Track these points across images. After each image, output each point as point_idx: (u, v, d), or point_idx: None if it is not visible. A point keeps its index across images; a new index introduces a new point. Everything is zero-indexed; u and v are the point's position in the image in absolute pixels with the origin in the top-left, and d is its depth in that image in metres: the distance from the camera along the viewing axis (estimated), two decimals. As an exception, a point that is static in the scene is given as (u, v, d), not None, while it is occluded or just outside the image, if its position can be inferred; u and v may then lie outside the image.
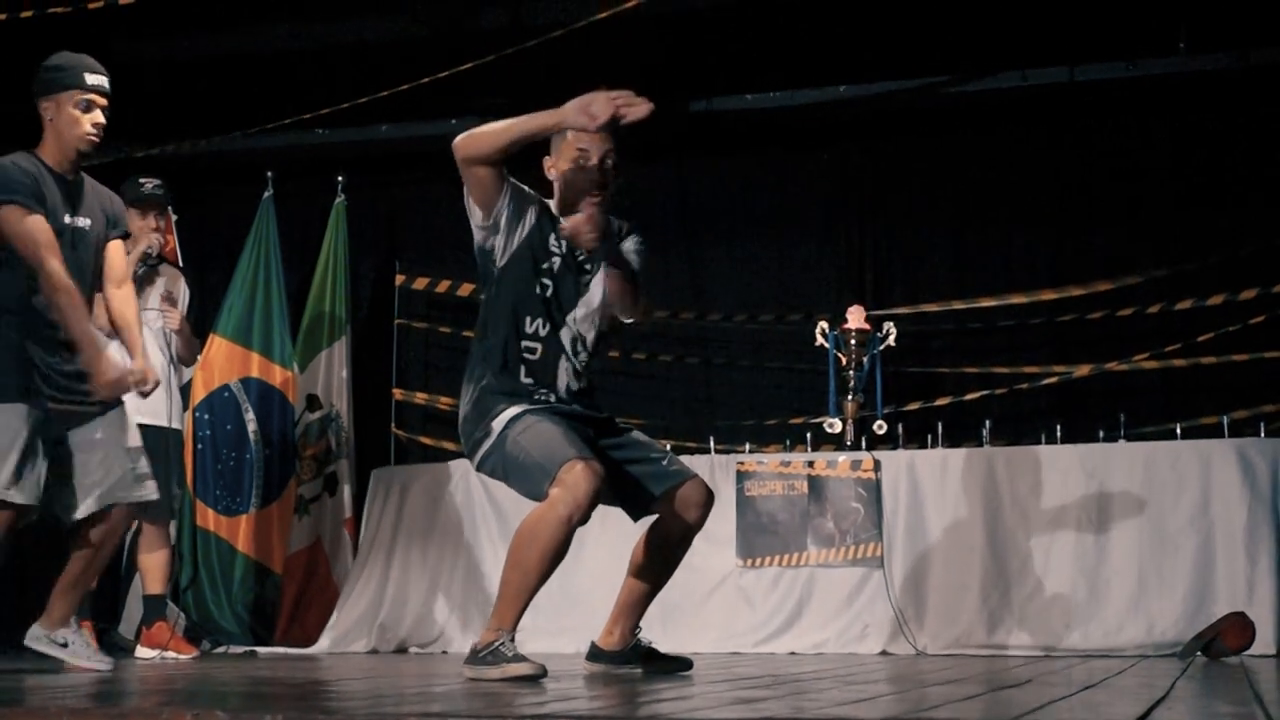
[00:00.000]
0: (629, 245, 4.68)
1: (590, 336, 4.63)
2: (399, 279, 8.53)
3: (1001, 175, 8.13)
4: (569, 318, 4.59)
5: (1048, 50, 7.71)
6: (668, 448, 4.90)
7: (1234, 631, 5.66)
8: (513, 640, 4.26)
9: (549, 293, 4.57)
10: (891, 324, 7.10)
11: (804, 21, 7.63)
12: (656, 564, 4.80)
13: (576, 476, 4.26)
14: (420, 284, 8.51)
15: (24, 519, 4.97)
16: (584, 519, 4.31)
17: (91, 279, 5.09)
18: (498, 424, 4.46)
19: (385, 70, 7.79)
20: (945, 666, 5.07)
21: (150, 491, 5.22)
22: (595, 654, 4.84)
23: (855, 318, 7.06)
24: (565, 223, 4.45)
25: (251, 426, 8.10)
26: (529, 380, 4.54)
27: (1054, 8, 7.40)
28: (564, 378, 4.58)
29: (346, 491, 8.00)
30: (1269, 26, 7.41)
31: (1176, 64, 7.64)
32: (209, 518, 8.02)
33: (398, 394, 8.46)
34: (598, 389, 4.75)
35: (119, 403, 5.14)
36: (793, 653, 6.51)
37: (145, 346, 5.32)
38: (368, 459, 8.01)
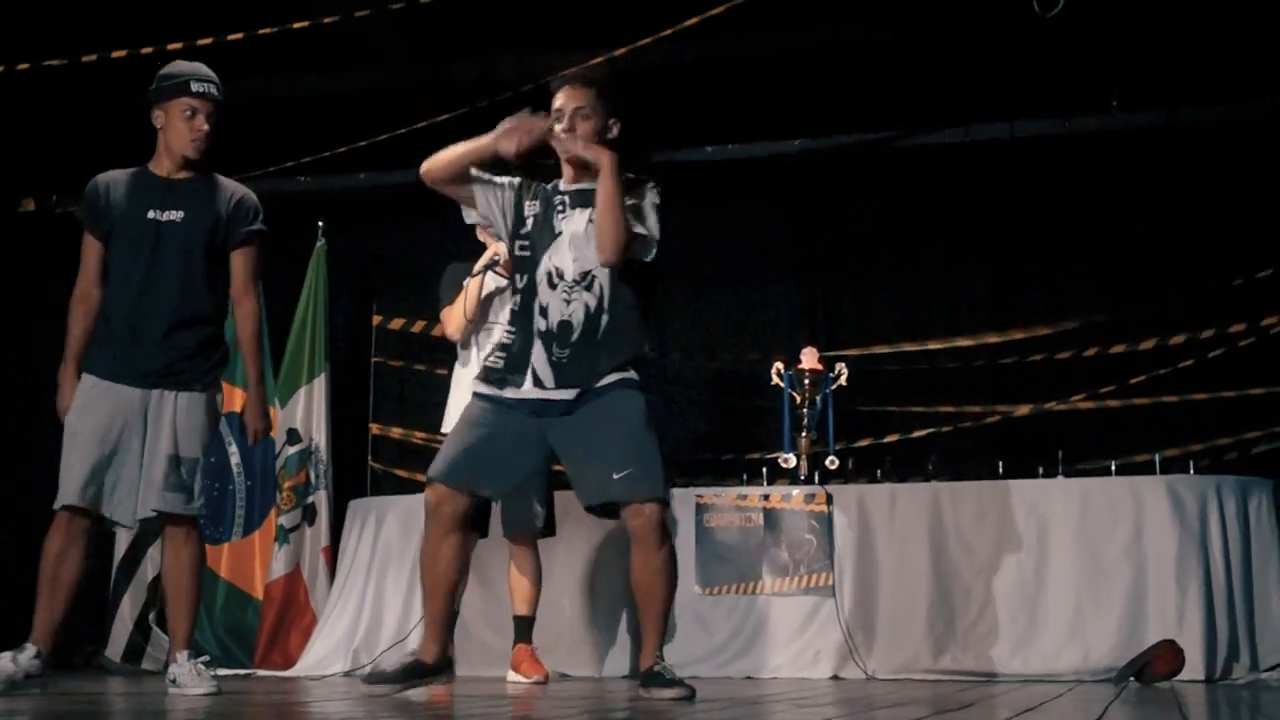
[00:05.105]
0: (648, 197, 4.72)
1: (570, 269, 4.56)
2: (376, 319, 8.53)
3: (946, 225, 8.18)
4: (544, 257, 4.60)
5: (988, 107, 7.77)
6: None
7: (1165, 658, 5.69)
8: (412, 656, 4.59)
9: (527, 251, 4.64)
10: (843, 365, 7.11)
11: (760, 79, 7.69)
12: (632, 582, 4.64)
13: (432, 499, 4.51)
14: (396, 324, 8.50)
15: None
16: (440, 536, 4.49)
17: (184, 274, 4.94)
18: None
19: (364, 121, 7.80)
20: (893, 690, 5.09)
21: (172, 505, 4.88)
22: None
23: (809, 359, 7.07)
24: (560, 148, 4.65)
25: (234, 459, 8.09)
26: (498, 361, 4.60)
27: (994, 68, 7.47)
28: (536, 326, 4.55)
29: (324, 521, 7.95)
30: (1196, 87, 7.49)
31: (1110, 121, 7.71)
32: (193, 546, 7.98)
33: (374, 429, 8.44)
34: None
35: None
36: (748, 676, 6.51)
37: (258, 382, 5.19)
38: (345, 490, 7.98)
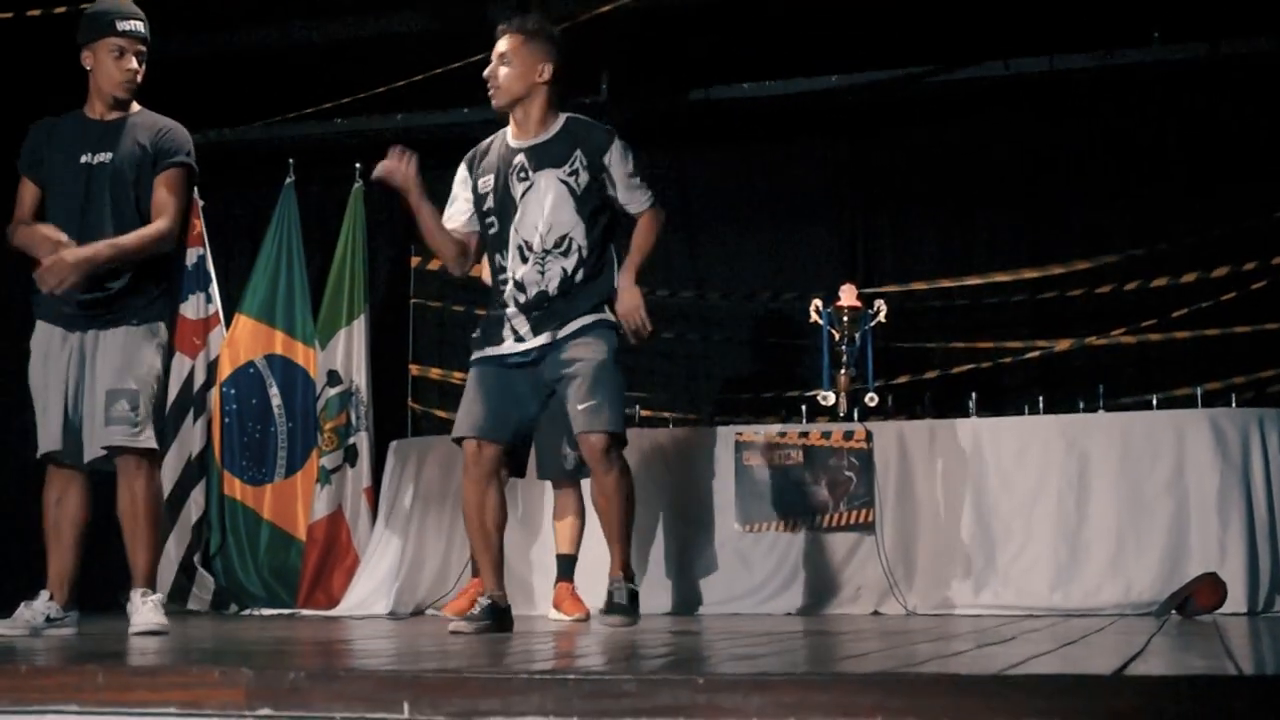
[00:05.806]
0: (624, 182, 4.78)
1: (538, 240, 4.66)
2: (414, 261, 8.50)
3: (985, 159, 8.10)
4: (510, 231, 4.69)
5: (1029, 40, 7.68)
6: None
7: (1206, 591, 5.65)
8: (488, 599, 4.68)
9: (493, 230, 4.75)
10: (882, 301, 7.07)
11: (797, 14, 7.60)
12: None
13: (465, 455, 4.75)
14: (434, 265, 8.45)
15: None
16: (482, 486, 4.72)
17: (117, 215, 4.78)
18: None
19: (400, 63, 7.76)
20: (933, 625, 5.07)
21: (114, 438, 4.66)
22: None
23: (848, 296, 7.03)
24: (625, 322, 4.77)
25: (275, 401, 8.11)
26: (480, 331, 4.83)
27: (1035, 1, 7.37)
28: (513, 299, 4.69)
29: (366, 462, 7.97)
30: (1236, 19, 7.38)
31: (1150, 54, 7.62)
32: (235, 487, 8.04)
33: (414, 369, 8.44)
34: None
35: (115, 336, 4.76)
36: (789, 613, 6.50)
37: (85, 253, 4.68)
38: (386, 431, 7.99)
